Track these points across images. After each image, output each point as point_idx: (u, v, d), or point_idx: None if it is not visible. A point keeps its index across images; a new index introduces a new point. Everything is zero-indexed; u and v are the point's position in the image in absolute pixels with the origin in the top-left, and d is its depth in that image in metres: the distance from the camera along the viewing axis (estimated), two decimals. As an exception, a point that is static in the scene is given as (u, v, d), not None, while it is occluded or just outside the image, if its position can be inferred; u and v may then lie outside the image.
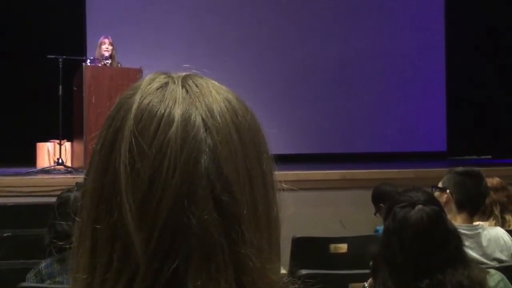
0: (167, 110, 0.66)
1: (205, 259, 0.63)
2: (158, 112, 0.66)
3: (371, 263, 2.09)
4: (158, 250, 0.63)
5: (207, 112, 0.67)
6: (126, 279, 0.64)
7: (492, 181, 3.71)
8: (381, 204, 4.22)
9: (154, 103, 0.67)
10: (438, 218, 1.97)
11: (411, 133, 9.60)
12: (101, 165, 0.67)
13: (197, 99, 0.68)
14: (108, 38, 6.72)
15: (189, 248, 0.63)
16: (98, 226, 0.66)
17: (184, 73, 0.72)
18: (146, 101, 0.67)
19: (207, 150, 0.65)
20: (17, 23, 8.60)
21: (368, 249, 2.23)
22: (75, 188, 3.03)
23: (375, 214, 4.34)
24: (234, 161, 0.66)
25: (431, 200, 2.04)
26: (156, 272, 0.63)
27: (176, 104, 0.67)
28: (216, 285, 0.63)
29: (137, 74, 6.16)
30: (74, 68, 6.56)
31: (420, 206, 1.95)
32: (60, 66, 6.67)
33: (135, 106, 0.67)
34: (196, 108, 0.67)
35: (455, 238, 1.98)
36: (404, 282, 1.90)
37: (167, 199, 0.63)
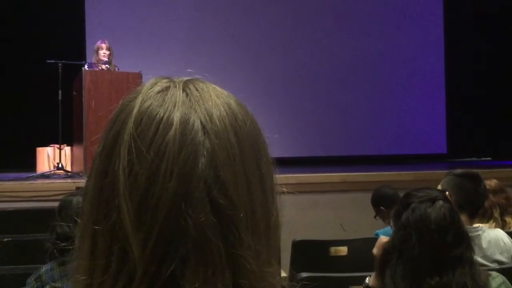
0: (167, 113, 0.67)
1: (202, 262, 0.64)
2: (158, 116, 0.67)
3: (379, 258, 2.09)
4: (155, 253, 0.64)
5: (206, 116, 0.67)
6: (123, 281, 0.64)
7: (490, 183, 3.71)
8: (382, 207, 4.21)
9: (154, 107, 0.68)
10: (456, 216, 2.00)
11: (411, 135, 9.61)
12: (101, 168, 0.68)
13: (196, 103, 0.68)
14: (105, 43, 6.72)
15: (186, 251, 0.63)
16: (97, 228, 0.66)
17: (186, 78, 0.72)
18: (146, 105, 0.68)
19: (205, 153, 0.66)
20: (17, 28, 8.61)
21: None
22: (77, 193, 3.04)
23: (375, 217, 4.32)
24: (232, 165, 0.67)
25: (446, 199, 2.06)
26: (153, 275, 0.64)
27: (175, 107, 0.67)
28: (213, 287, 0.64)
29: (136, 78, 6.17)
30: (74, 73, 6.57)
31: (441, 202, 1.98)
32: (60, 71, 6.67)
33: (135, 109, 0.68)
34: (195, 112, 0.67)
35: (468, 238, 2.01)
36: (416, 278, 1.91)
37: (164, 202, 0.64)
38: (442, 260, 1.92)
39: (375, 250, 2.14)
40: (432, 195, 2.02)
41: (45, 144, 7.15)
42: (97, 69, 6.61)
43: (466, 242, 1.98)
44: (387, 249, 2.03)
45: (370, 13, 9.73)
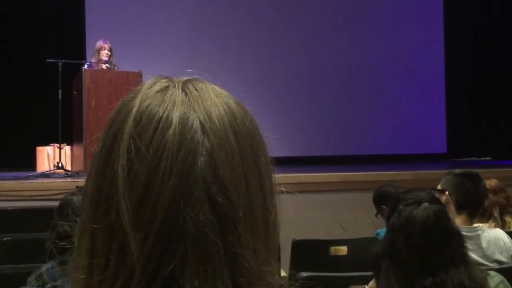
0: (166, 113, 0.67)
1: (201, 260, 0.64)
2: (157, 115, 0.67)
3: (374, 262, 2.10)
4: (154, 251, 0.64)
5: (205, 115, 0.68)
6: (123, 280, 0.65)
7: (490, 182, 3.71)
8: (383, 206, 4.21)
9: (153, 106, 0.68)
10: (443, 216, 2.01)
11: (411, 135, 9.61)
12: (100, 167, 0.68)
13: (196, 103, 0.68)
14: (107, 43, 6.73)
15: (185, 249, 0.64)
16: (96, 227, 0.67)
17: (185, 78, 0.72)
18: (145, 104, 0.68)
19: (204, 152, 0.66)
20: (17, 27, 8.61)
21: (371, 249, 2.23)
22: (77, 192, 3.05)
23: (376, 215, 4.32)
24: (231, 164, 0.67)
25: (435, 200, 2.07)
26: (152, 273, 0.64)
27: (174, 107, 0.68)
28: (212, 286, 0.64)
29: (136, 77, 6.17)
30: (74, 72, 6.57)
31: (426, 204, 1.99)
32: (60, 70, 6.68)
33: (134, 108, 0.68)
34: (195, 111, 0.68)
35: (458, 237, 2.01)
36: (408, 280, 1.91)
37: (163, 201, 0.64)
38: (432, 261, 1.93)
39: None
40: (419, 197, 2.02)
41: (45, 143, 7.15)
42: (97, 69, 6.62)
43: (456, 241, 1.99)
44: (380, 253, 2.04)
45: (370, 13, 9.73)
